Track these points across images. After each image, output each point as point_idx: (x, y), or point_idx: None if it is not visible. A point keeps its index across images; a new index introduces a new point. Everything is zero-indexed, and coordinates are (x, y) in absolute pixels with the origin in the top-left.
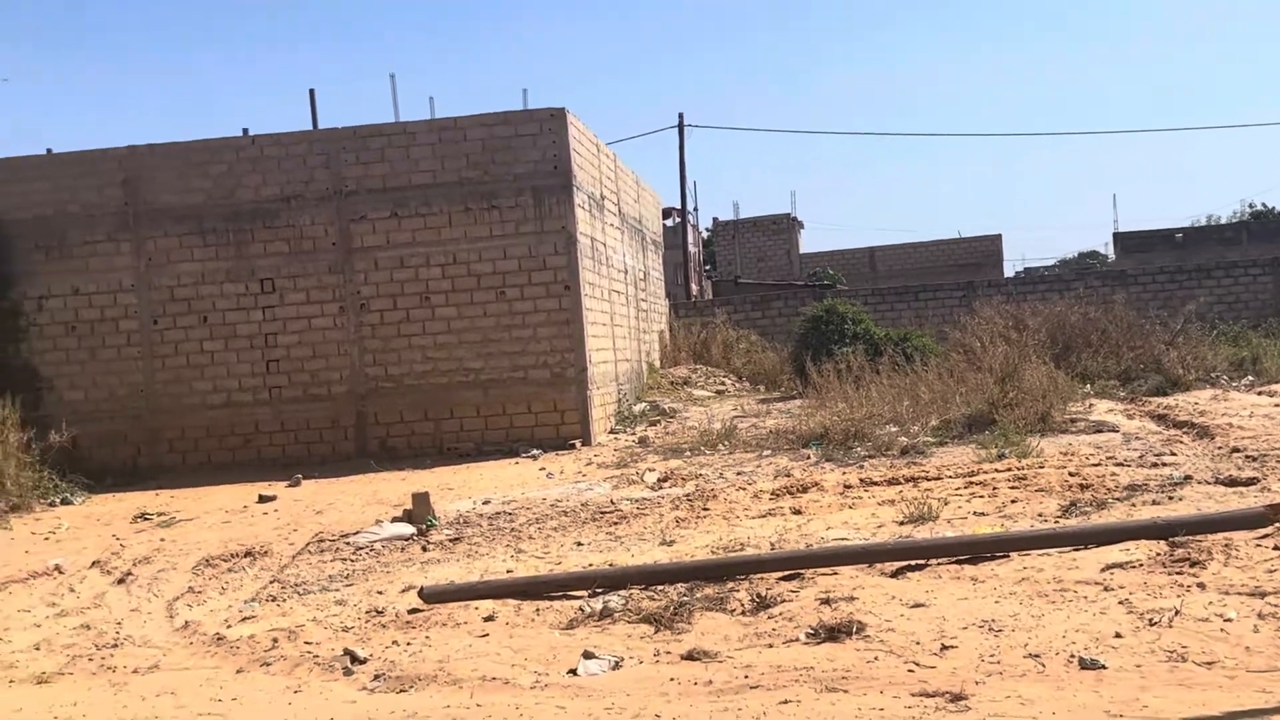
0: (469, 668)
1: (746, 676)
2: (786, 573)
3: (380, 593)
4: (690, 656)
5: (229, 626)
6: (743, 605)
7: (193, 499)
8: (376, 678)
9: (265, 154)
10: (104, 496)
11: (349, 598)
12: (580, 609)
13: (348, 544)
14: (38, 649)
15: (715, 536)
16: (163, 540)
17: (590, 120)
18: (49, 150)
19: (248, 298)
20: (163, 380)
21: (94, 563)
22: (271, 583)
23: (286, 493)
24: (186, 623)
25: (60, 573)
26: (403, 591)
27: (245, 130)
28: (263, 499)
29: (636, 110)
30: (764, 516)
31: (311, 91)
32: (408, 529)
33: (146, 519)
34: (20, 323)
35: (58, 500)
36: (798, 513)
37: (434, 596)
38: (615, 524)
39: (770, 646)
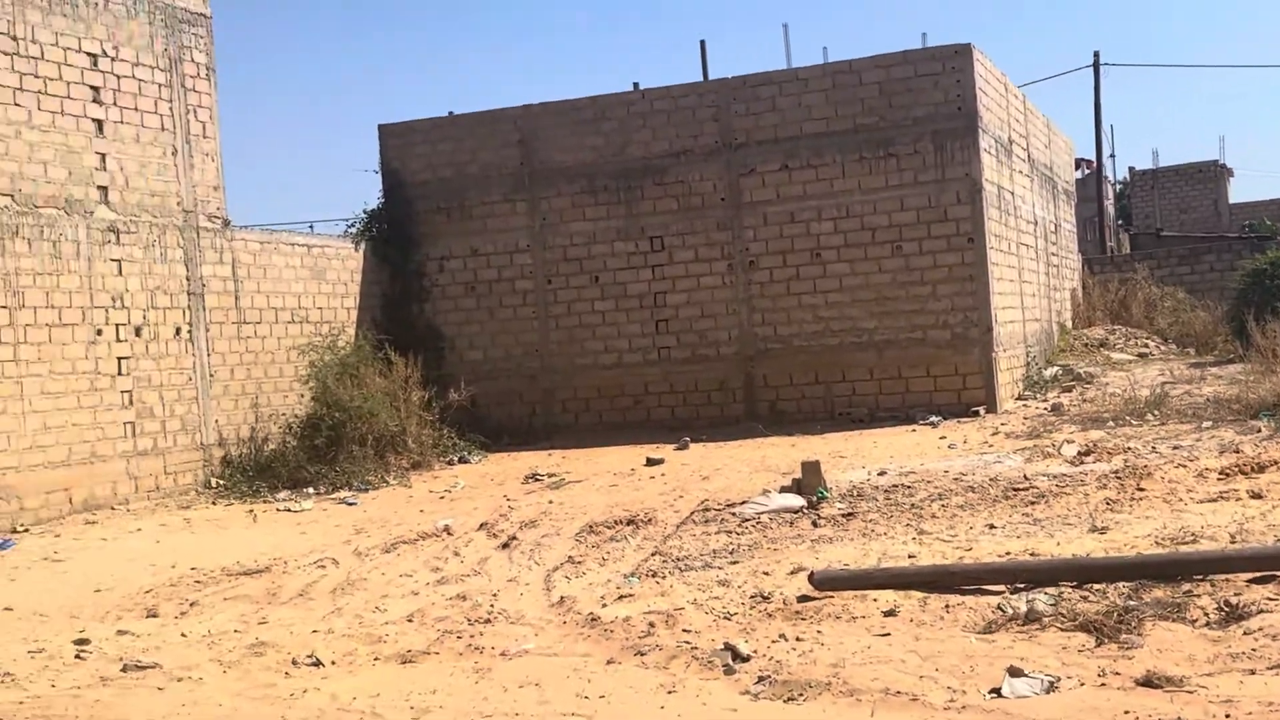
0: (868, 676)
1: (1228, 716)
2: (1259, 574)
3: (766, 573)
4: (1148, 682)
5: (604, 605)
6: (1206, 615)
7: (583, 460)
8: (760, 680)
9: (655, 108)
10: (499, 455)
11: (733, 578)
12: (999, 608)
13: (733, 514)
14: (410, 621)
15: (1157, 524)
16: (550, 503)
17: (996, 60)
18: (450, 113)
19: (637, 256)
20: (556, 340)
21: (481, 525)
22: (653, 555)
23: (674, 456)
24: (562, 598)
25: (449, 534)
26: (791, 574)
27: (635, 85)
28: (650, 462)
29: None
30: (1214, 500)
31: (702, 43)
32: (797, 500)
33: (537, 479)
34: (424, 283)
35: (455, 459)
36: (1257, 497)
37: (826, 583)
38: (1031, 504)
39: (1253, 674)
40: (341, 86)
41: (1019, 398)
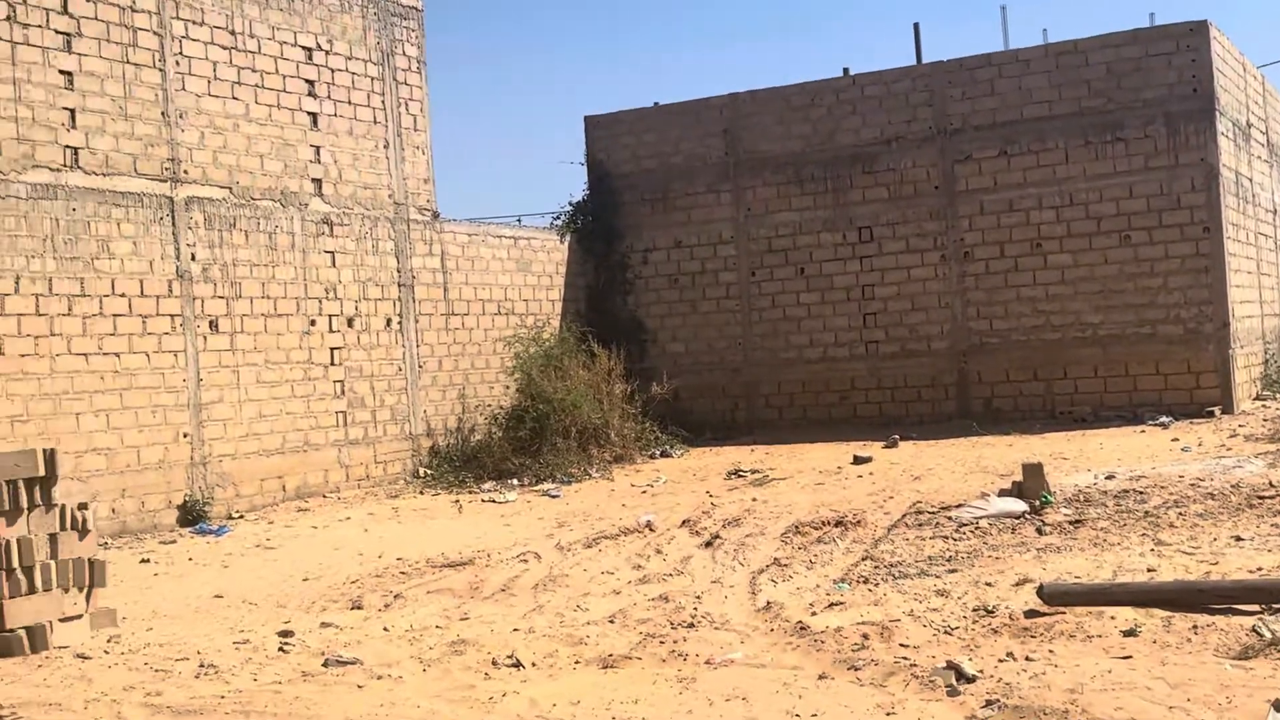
0: (1110, 704)
1: None
2: None
3: (989, 584)
4: None
5: (813, 613)
6: None
7: (786, 456)
8: (989, 704)
9: (865, 94)
10: (701, 450)
11: (951, 587)
12: (1254, 631)
13: (949, 518)
14: (612, 622)
15: None
16: (754, 500)
17: (1233, 38)
18: (655, 104)
19: (845, 247)
20: (759, 333)
21: (684, 521)
22: (864, 560)
23: (882, 454)
24: (769, 603)
25: (650, 530)
26: (1016, 585)
27: (845, 70)
28: (857, 460)
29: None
30: None
31: (915, 25)
32: (1018, 505)
33: (740, 476)
34: (627, 275)
35: (657, 453)
36: None
37: (1057, 597)
38: None
39: None
40: (547, 78)
41: (1257, 398)
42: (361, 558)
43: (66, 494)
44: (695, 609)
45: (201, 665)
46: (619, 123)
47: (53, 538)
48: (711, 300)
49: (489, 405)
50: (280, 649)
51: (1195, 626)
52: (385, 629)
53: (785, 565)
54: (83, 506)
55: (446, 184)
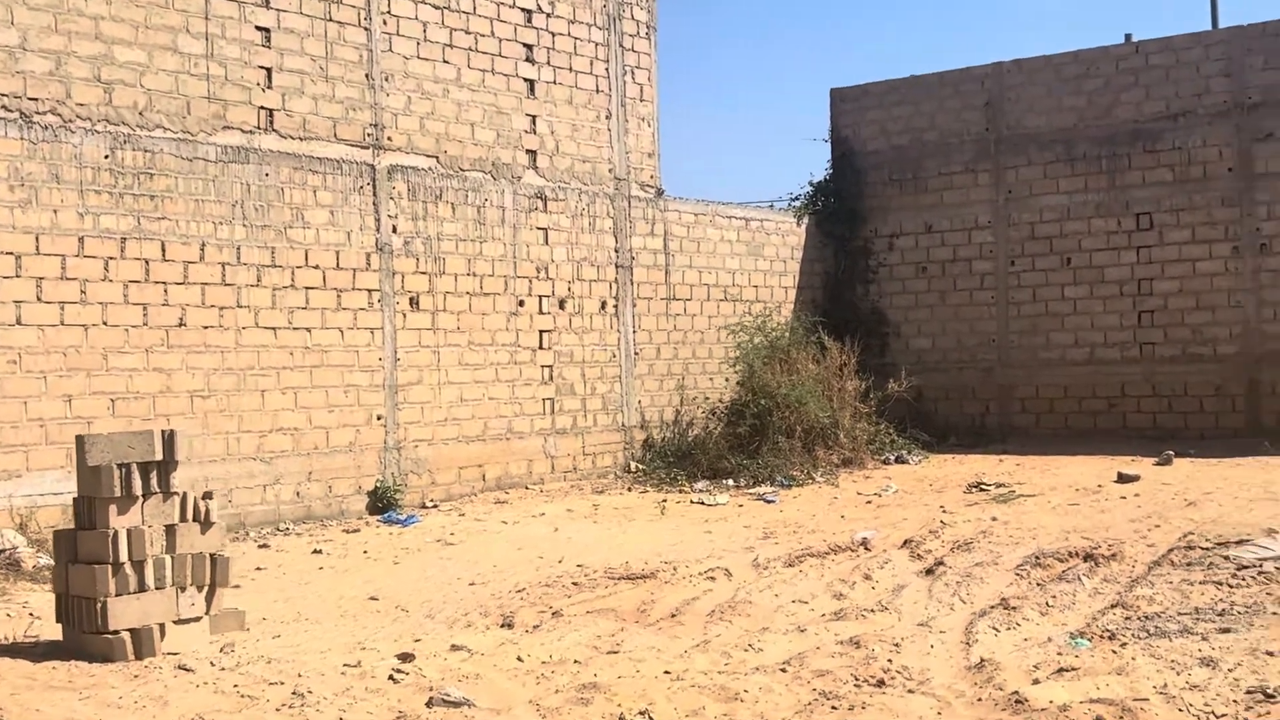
0: None
1: None
2: None
3: (1270, 654)
4: None
5: (1036, 680)
6: None
7: (1040, 469)
8: None
9: (1150, 63)
10: (942, 457)
11: (1221, 655)
12: None
13: (1226, 558)
14: (784, 671)
15: None
16: (993, 520)
17: None
18: (910, 75)
19: (1119, 235)
20: (1017, 330)
21: (905, 541)
22: (1113, 607)
23: (1152, 472)
24: (982, 660)
25: (865, 549)
26: None
27: (1128, 36)
28: (1122, 478)
29: None
30: None
31: None
32: None
33: (982, 489)
34: (870, 262)
35: (892, 457)
36: None
37: None
38: None
39: None
40: (790, 50)
41: None
42: (541, 561)
43: (190, 482)
44: (890, 660)
45: (294, 693)
46: (867, 95)
47: (170, 529)
48: (963, 292)
49: (709, 398)
50: (391, 676)
51: None
52: (520, 659)
53: (1014, 608)
54: (207, 496)
55: (673, 160)
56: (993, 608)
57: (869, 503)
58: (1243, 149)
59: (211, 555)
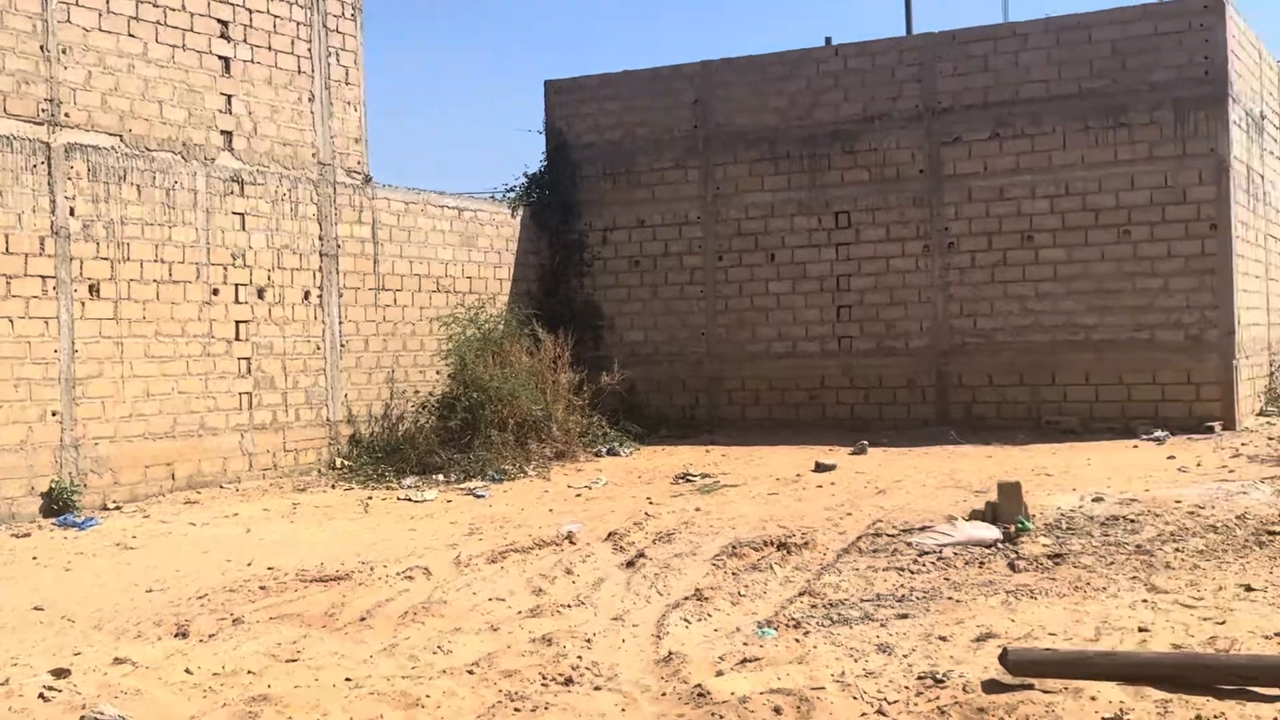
0: None
1: None
2: None
3: (943, 639)
4: None
5: (720, 672)
6: None
7: (744, 460)
8: None
9: (849, 66)
10: (653, 449)
11: (897, 641)
12: None
13: (909, 544)
14: (471, 672)
15: None
16: (696, 510)
17: (1250, 22)
18: (624, 70)
19: (820, 233)
20: (724, 324)
21: (610, 534)
22: (801, 595)
23: (848, 461)
24: (670, 654)
25: (570, 543)
26: (976, 641)
27: (828, 40)
28: (819, 467)
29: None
30: None
31: None
32: (990, 532)
33: (689, 480)
34: (585, 255)
35: (604, 450)
36: None
37: (1024, 667)
38: None
39: None
40: (505, 37)
41: (1261, 413)
42: (228, 565)
43: None
44: (580, 657)
45: None
46: (582, 89)
47: None
48: (675, 286)
49: (420, 391)
50: (41, 694)
51: (1199, 716)
52: (189, 671)
53: (707, 599)
54: None
55: (388, 148)
56: (686, 599)
57: (579, 496)
58: (933, 151)
59: None
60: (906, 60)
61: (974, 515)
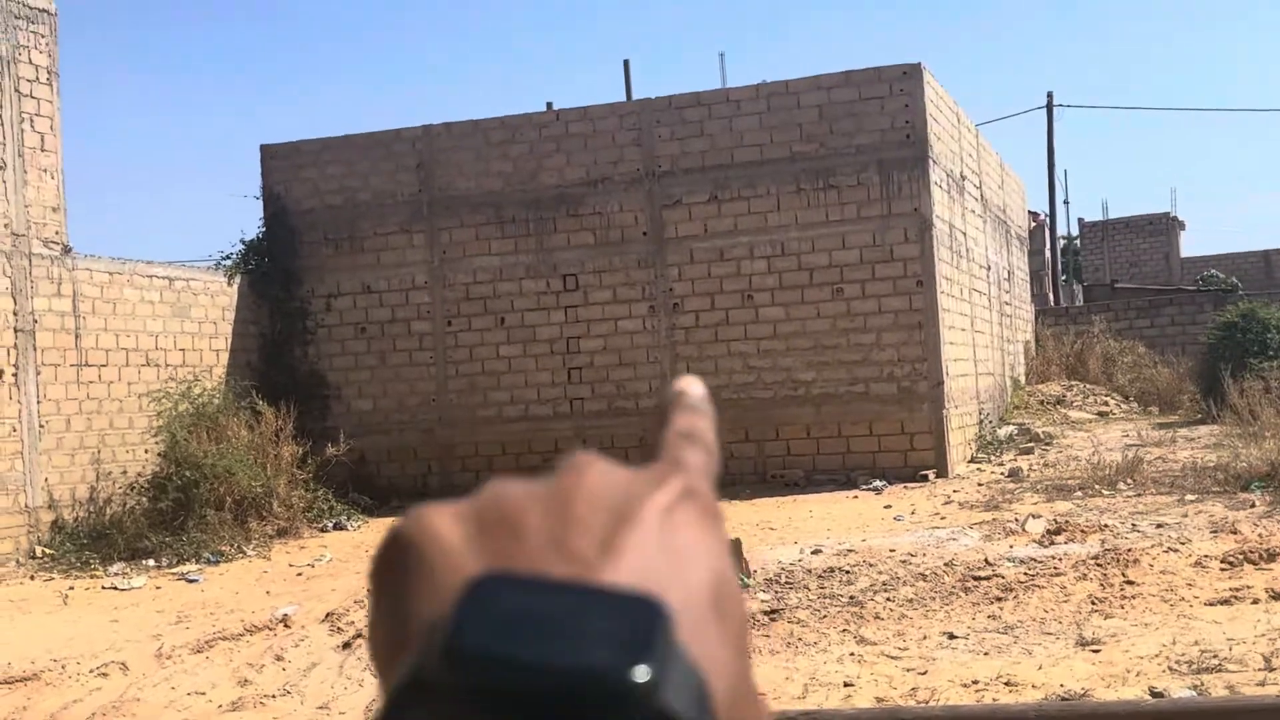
0: None
1: None
2: None
3: None
4: None
5: None
6: None
7: None
8: None
9: (570, 131)
10: (383, 521)
11: None
12: None
13: None
14: None
15: (1164, 636)
16: None
17: (947, 87)
18: (344, 134)
19: (549, 296)
20: (455, 389)
21: (328, 615)
22: None
23: None
24: None
25: (285, 626)
26: None
27: (549, 104)
28: None
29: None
30: (1227, 602)
31: (626, 63)
32: None
33: None
34: (308, 324)
35: (330, 524)
36: (1278, 597)
37: None
38: (998, 599)
39: None
40: (218, 104)
41: (972, 460)
42: None
43: None
44: None
45: None
46: (300, 153)
47: None
48: (403, 352)
49: (130, 472)
50: None
51: None
52: None
53: None
54: None
55: (91, 216)
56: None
57: (300, 575)
58: (654, 214)
59: None
60: (626, 125)
61: None
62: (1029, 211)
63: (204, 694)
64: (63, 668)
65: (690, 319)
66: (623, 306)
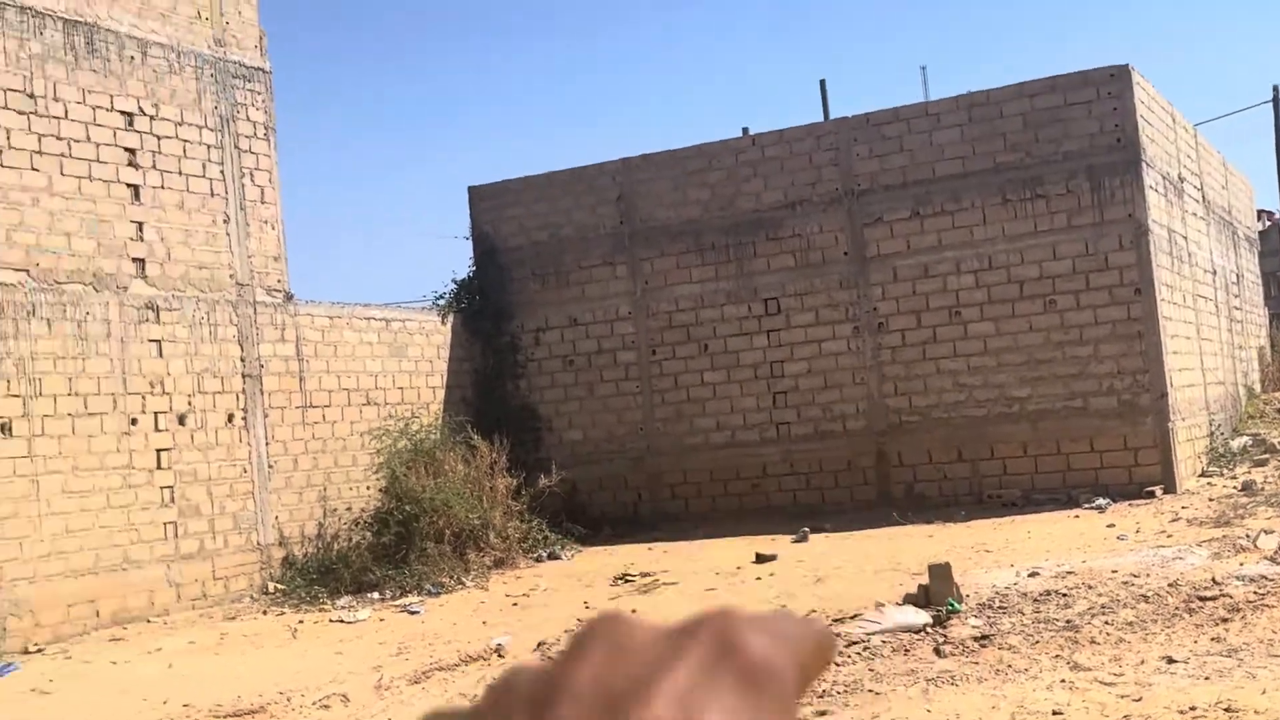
0: None
1: None
2: None
3: None
4: None
5: None
6: None
7: (685, 556)
8: None
9: (766, 155)
10: (595, 550)
11: None
12: None
13: (838, 635)
14: None
15: None
16: (633, 612)
17: (1162, 92)
18: (547, 172)
19: (750, 320)
20: (662, 417)
21: (539, 644)
22: None
23: (790, 550)
24: None
25: (499, 657)
26: None
27: (745, 130)
28: (760, 558)
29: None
30: None
31: (822, 82)
32: (919, 617)
33: (629, 580)
34: (518, 358)
35: (545, 554)
36: None
37: None
38: (1223, 621)
39: None
40: (428, 149)
41: (1202, 474)
42: (143, 704)
43: None
44: None
45: None
46: (507, 192)
47: None
48: (610, 382)
49: (355, 507)
50: None
51: None
52: None
53: None
54: None
55: (310, 263)
56: None
57: (516, 604)
58: (855, 233)
59: None
60: (823, 145)
61: (908, 599)
62: (1259, 211)
63: None
64: (288, 700)
65: (896, 338)
66: (826, 328)
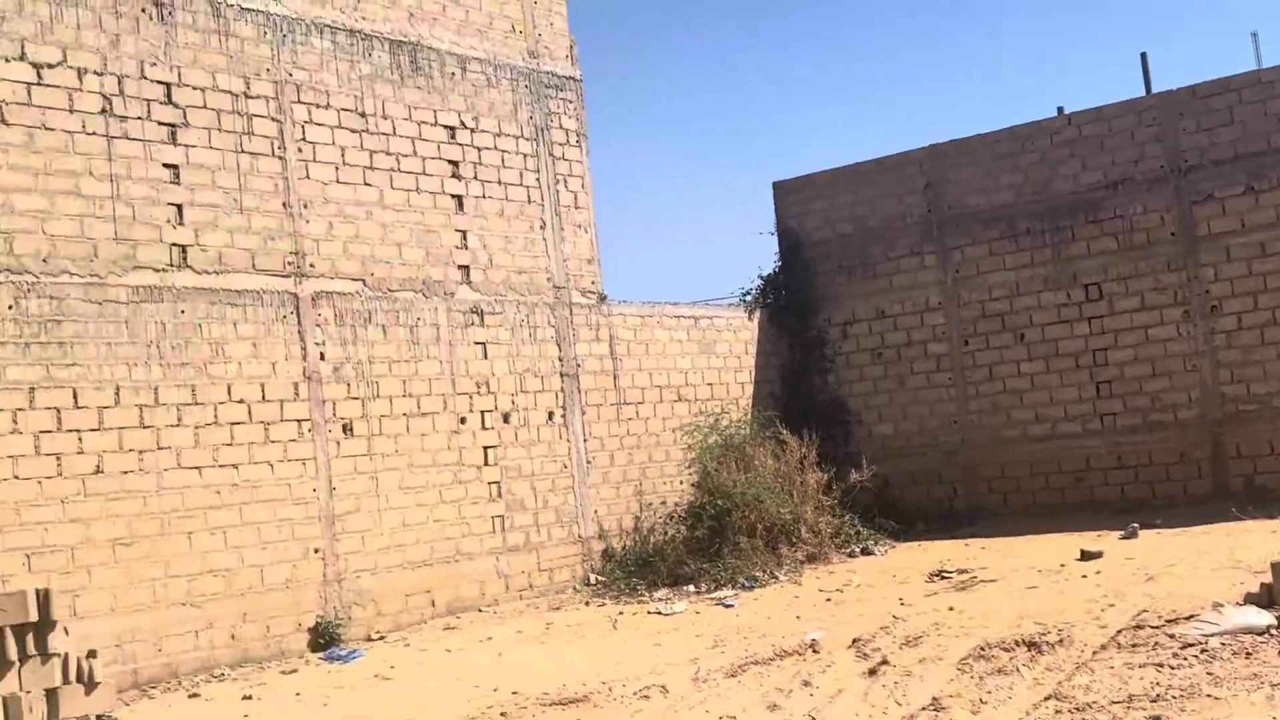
0: None
1: None
2: None
3: None
4: None
5: None
6: None
7: (1004, 552)
8: None
9: (1084, 134)
10: (909, 545)
11: None
12: None
13: (1172, 637)
14: None
15: None
16: (950, 610)
17: None
18: (851, 163)
19: (1070, 308)
20: (976, 409)
21: (854, 640)
22: (1047, 699)
23: (1117, 547)
24: None
25: (813, 652)
26: None
27: (1060, 109)
28: (1085, 555)
29: None
30: None
31: (1143, 55)
32: (1262, 618)
33: (945, 577)
34: (825, 351)
35: (857, 549)
36: None
37: None
38: None
39: None
40: (728, 145)
41: None
42: (477, 690)
43: (68, 641)
44: None
45: None
46: (810, 185)
47: (51, 694)
48: (920, 375)
49: (669, 501)
50: None
51: None
52: None
53: (944, 708)
54: (91, 655)
55: (618, 263)
56: (925, 708)
57: (829, 600)
58: (1183, 212)
59: (98, 717)
60: (1145, 121)
61: (1249, 599)
62: None
63: (734, 717)
64: (609, 690)
65: (1231, 321)
66: (1153, 313)
